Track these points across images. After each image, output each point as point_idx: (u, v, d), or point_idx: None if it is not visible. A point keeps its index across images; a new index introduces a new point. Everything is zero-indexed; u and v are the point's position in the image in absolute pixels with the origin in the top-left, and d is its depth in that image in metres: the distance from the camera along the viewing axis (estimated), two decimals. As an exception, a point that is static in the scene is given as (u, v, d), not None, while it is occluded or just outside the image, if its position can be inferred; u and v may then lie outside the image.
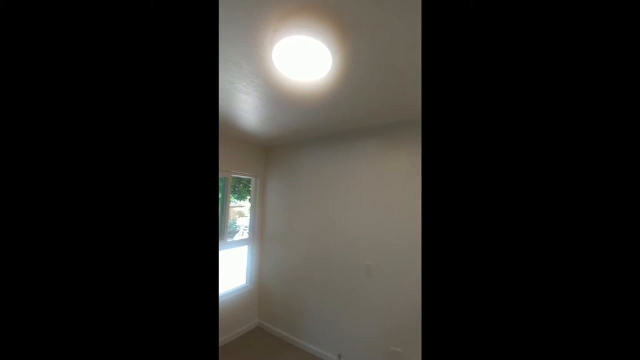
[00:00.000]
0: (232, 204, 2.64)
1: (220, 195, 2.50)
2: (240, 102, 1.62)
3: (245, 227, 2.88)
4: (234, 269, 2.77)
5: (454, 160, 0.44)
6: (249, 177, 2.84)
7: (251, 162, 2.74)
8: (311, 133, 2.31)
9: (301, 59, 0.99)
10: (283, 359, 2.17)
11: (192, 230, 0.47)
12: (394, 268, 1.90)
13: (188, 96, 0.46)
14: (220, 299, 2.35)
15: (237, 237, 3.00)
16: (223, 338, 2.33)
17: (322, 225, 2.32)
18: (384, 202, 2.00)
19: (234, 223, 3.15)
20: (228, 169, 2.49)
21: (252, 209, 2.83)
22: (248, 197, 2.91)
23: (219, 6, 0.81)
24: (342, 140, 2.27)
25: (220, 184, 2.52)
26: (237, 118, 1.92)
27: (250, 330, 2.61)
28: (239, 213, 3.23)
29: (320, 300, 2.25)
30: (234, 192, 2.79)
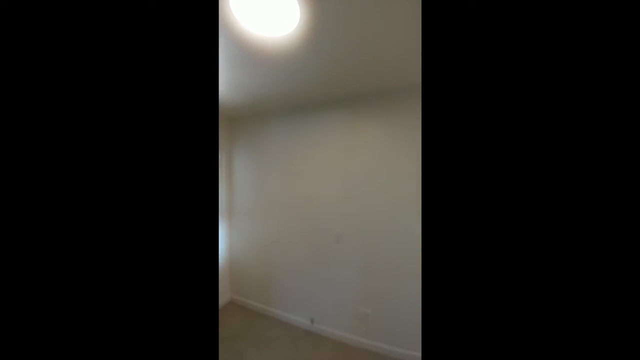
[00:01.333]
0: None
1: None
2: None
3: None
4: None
5: (457, 152, 0.43)
6: (214, 151, 2.70)
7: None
8: (279, 102, 2.24)
9: (263, 8, 0.94)
10: (256, 329, 2.27)
11: (191, 218, 0.47)
12: (361, 234, 2.03)
13: (187, 82, 0.47)
14: None
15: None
16: (194, 315, 2.33)
17: (292, 198, 2.35)
18: (352, 172, 2.08)
19: None
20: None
21: (220, 182, 2.74)
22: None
23: None
24: (312, 111, 2.25)
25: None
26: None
27: (223, 307, 2.64)
28: None
29: (292, 269, 2.35)
30: None
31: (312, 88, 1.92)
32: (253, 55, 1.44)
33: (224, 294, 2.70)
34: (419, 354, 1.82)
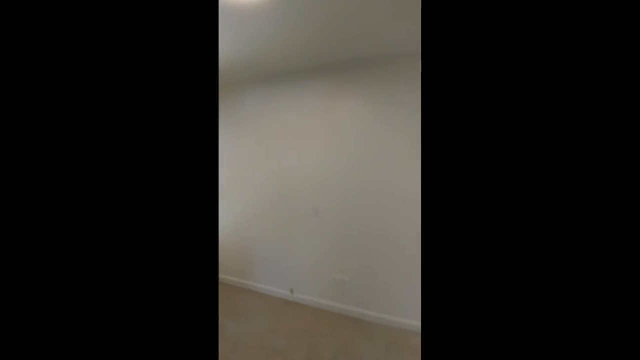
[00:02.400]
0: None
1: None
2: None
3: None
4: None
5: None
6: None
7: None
8: (253, 70, 2.07)
9: None
10: (235, 303, 2.31)
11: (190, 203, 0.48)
12: (339, 208, 2.03)
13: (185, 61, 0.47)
14: None
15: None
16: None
17: (270, 172, 2.30)
18: (331, 145, 2.01)
19: None
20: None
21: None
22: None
23: None
24: (288, 81, 2.17)
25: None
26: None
27: (198, 284, 2.63)
28: None
29: (271, 243, 2.35)
30: None
31: (288, 54, 1.74)
32: (224, 15, 1.18)
33: (199, 272, 2.67)
34: (393, 318, 1.96)
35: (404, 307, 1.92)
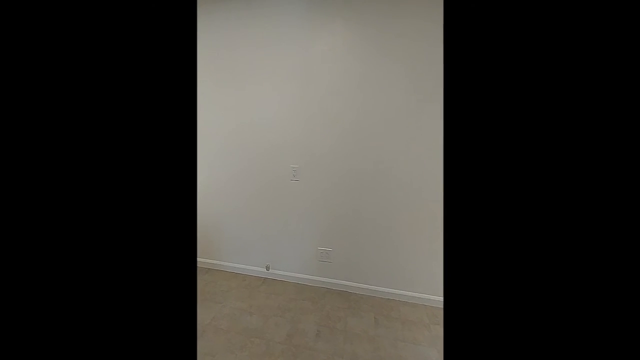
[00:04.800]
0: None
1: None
2: None
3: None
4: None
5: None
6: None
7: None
8: None
9: None
10: (201, 285, 2.12)
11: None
12: (320, 170, 1.88)
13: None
14: None
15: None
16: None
17: (234, 126, 2.04)
18: (311, 89, 1.78)
19: None
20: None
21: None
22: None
23: None
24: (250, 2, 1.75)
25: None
26: None
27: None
28: None
29: (242, 215, 2.15)
30: None
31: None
32: None
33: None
34: (383, 289, 1.93)
35: (392, 277, 1.90)
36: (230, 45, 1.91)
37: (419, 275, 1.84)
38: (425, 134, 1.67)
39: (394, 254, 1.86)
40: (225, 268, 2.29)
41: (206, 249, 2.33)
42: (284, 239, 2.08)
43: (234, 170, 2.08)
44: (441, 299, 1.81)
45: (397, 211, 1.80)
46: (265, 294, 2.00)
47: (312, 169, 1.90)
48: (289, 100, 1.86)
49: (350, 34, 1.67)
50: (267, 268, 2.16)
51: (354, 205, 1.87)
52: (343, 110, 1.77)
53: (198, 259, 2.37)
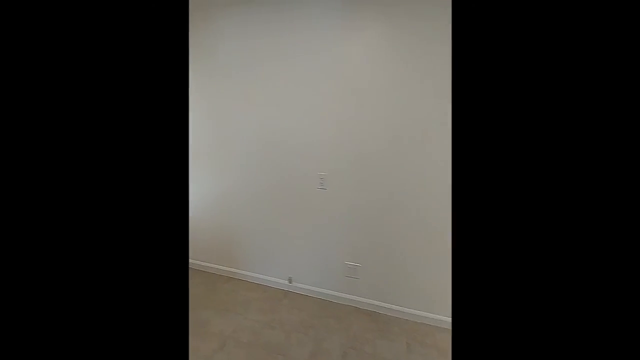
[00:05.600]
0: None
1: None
2: None
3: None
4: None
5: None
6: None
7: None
8: None
9: None
10: (222, 294, 2.10)
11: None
12: (351, 177, 1.82)
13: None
14: None
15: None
16: (137, 284, 2.06)
17: (261, 131, 2.01)
18: (343, 94, 1.75)
19: None
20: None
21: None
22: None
23: None
24: (286, 2, 1.79)
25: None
26: None
27: (175, 271, 2.39)
28: None
29: (264, 223, 2.13)
30: None
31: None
32: None
33: (177, 257, 2.42)
34: (417, 312, 1.80)
35: (427, 299, 1.76)
36: (258, 49, 1.93)
37: (457, 298, 1.69)
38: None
39: (431, 274, 1.74)
40: (246, 278, 2.26)
41: (227, 256, 2.32)
42: (308, 250, 2.02)
43: (258, 176, 2.08)
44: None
45: (435, 228, 1.69)
46: (287, 308, 1.93)
47: (341, 177, 1.85)
48: (316, 105, 1.84)
49: (385, 36, 1.64)
50: (290, 280, 2.10)
51: (386, 219, 1.78)
52: (376, 115, 1.72)
53: (219, 267, 2.36)
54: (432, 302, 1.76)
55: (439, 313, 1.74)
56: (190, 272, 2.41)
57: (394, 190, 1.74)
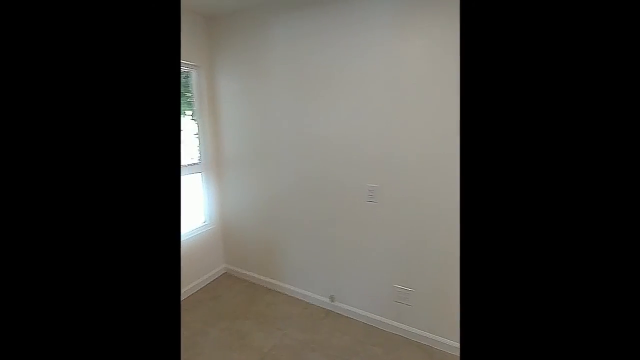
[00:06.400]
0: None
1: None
2: None
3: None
4: (187, 205, 2.37)
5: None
6: (187, 68, 2.14)
7: (187, 41, 2.02)
8: None
9: None
10: (261, 306, 2.08)
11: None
12: (406, 189, 1.63)
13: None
14: None
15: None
16: (183, 290, 2.13)
17: (306, 137, 1.91)
18: (396, 98, 1.57)
19: None
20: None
21: (200, 119, 2.25)
22: (187, 111, 2.25)
23: None
24: (335, 4, 1.65)
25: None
26: None
27: (216, 278, 2.46)
28: None
29: (306, 234, 2.05)
30: None
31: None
32: None
33: (217, 264, 2.49)
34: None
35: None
36: (306, 53, 1.79)
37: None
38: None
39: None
40: (286, 291, 2.21)
41: (267, 266, 2.29)
42: (353, 268, 1.89)
43: (302, 184, 1.99)
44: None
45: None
46: (328, 329, 1.84)
47: (393, 189, 1.68)
48: (367, 110, 1.68)
49: (446, 37, 1.41)
50: (332, 299, 1.99)
51: (444, 240, 1.57)
52: (435, 123, 1.51)
53: (259, 277, 2.35)
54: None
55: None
56: (231, 280, 2.43)
57: (454, 207, 1.51)
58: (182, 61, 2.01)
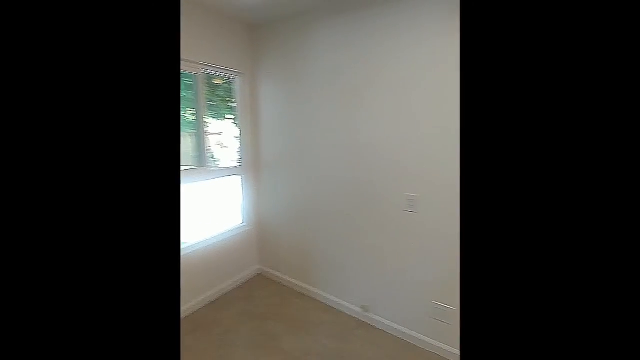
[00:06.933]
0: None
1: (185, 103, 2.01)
2: None
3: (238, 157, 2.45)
4: (226, 206, 2.50)
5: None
6: (229, 75, 2.26)
7: (231, 49, 2.13)
8: None
9: None
10: (293, 310, 2.11)
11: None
12: (444, 203, 1.56)
13: None
14: (213, 242, 2.21)
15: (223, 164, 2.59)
16: (218, 288, 2.25)
17: (346, 142, 1.92)
18: (443, 103, 1.51)
19: (212, 155, 2.53)
20: (194, 59, 1.90)
21: (241, 123, 2.36)
22: (229, 115, 2.37)
23: None
24: (380, 6, 1.63)
25: (188, 82, 1.98)
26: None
27: (250, 278, 2.55)
28: (218, 143, 2.63)
29: (341, 241, 2.04)
30: (209, 106, 2.20)
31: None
32: None
33: (251, 264, 2.58)
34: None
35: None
36: (348, 57, 1.80)
37: None
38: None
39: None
40: (317, 296, 2.22)
41: (300, 270, 2.32)
42: (388, 279, 1.84)
43: (339, 190, 1.99)
44: None
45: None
46: (361, 341, 1.80)
47: (434, 200, 1.61)
48: (409, 116, 1.63)
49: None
50: (365, 309, 1.96)
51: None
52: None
53: (292, 280, 2.39)
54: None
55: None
56: (264, 281, 2.50)
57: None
58: (227, 68, 2.14)
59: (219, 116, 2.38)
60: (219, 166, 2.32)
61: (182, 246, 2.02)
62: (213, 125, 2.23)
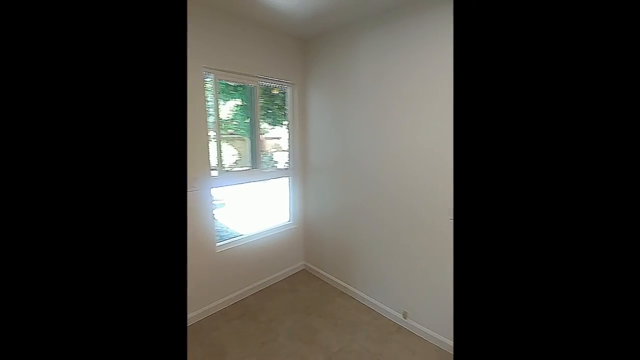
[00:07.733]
0: (264, 134, 2.41)
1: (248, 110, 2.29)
2: None
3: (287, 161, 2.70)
4: (275, 204, 2.77)
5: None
6: (283, 86, 2.50)
7: (284, 62, 2.35)
8: (374, 5, 1.73)
9: None
10: (334, 307, 2.22)
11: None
12: None
13: None
14: (262, 237, 2.45)
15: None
16: (265, 279, 2.49)
17: (391, 149, 1.97)
18: None
19: (271, 158, 2.87)
20: (253, 73, 2.17)
21: (291, 130, 2.59)
22: (284, 122, 2.62)
23: None
24: (427, 14, 1.66)
25: (247, 94, 2.27)
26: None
27: (295, 273, 2.75)
28: (275, 146, 2.96)
29: (382, 244, 2.10)
30: (265, 114, 2.49)
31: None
32: None
33: (297, 260, 2.77)
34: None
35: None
36: (392, 65, 1.86)
37: None
38: None
39: None
40: (357, 297, 2.30)
41: (342, 269, 2.43)
42: (429, 287, 1.83)
43: (383, 195, 2.04)
44: None
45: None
46: (398, 346, 1.83)
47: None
48: (451, 125, 1.61)
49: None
50: (405, 315, 1.97)
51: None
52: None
53: (333, 278, 2.51)
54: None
55: None
56: (308, 277, 2.67)
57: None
58: (280, 80, 2.38)
59: (275, 123, 2.66)
60: (277, 168, 2.58)
61: (236, 237, 2.31)
62: (271, 131, 2.51)
